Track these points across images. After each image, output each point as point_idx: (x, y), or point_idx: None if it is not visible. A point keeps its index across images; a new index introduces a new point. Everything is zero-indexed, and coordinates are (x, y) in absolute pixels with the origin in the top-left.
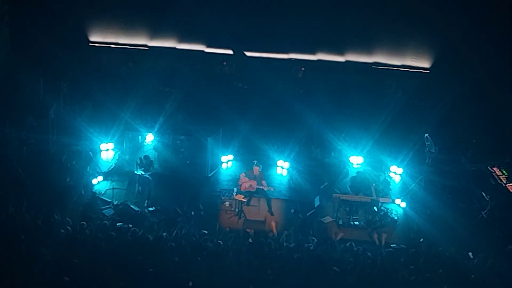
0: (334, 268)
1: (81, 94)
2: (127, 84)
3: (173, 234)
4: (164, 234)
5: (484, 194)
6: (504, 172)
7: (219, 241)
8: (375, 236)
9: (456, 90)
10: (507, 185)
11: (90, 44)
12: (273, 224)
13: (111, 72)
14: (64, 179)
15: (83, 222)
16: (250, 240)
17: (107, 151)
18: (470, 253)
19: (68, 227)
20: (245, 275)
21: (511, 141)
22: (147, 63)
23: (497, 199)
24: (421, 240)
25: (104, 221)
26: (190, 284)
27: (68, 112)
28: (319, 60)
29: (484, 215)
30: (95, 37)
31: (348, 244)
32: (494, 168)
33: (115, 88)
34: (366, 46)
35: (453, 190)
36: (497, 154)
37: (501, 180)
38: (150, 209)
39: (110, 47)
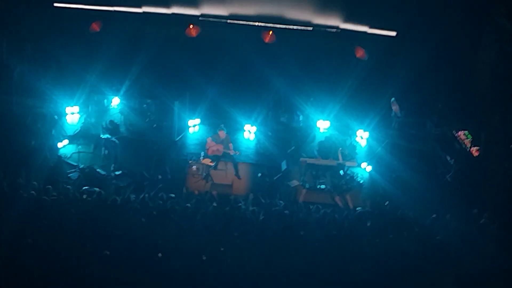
0: (300, 230)
1: (46, 56)
2: (92, 47)
3: (140, 197)
4: (132, 196)
5: (448, 158)
6: (469, 136)
7: (187, 204)
8: (339, 198)
9: (422, 55)
10: (471, 149)
11: (55, 5)
12: (241, 190)
13: (76, 34)
14: (28, 142)
15: (49, 186)
16: (214, 204)
17: (72, 114)
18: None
19: (33, 191)
20: (211, 238)
21: (476, 106)
22: (113, 26)
23: (461, 163)
24: (386, 203)
25: (70, 185)
26: (160, 255)
27: (33, 74)
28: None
29: (448, 179)
30: None
31: (314, 207)
32: (459, 133)
33: (81, 51)
34: (333, 9)
35: (418, 154)
36: (462, 119)
37: (465, 144)
38: (117, 172)
39: (75, 8)
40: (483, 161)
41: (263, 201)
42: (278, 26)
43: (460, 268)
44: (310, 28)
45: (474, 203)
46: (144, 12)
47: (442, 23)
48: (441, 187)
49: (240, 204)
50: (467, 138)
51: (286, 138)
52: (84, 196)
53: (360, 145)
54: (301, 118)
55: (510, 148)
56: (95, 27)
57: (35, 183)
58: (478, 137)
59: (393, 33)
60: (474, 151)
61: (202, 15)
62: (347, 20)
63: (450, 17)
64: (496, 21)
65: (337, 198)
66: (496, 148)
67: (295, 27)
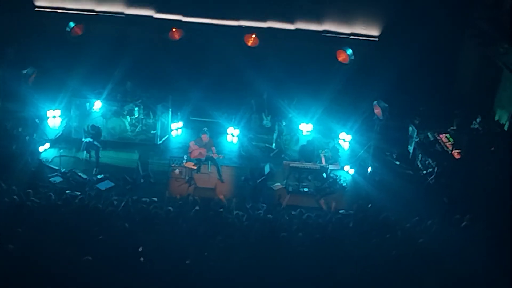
0: (283, 234)
1: (27, 59)
2: (74, 50)
3: (123, 202)
4: (114, 201)
5: (430, 161)
6: (450, 139)
7: (169, 208)
8: (322, 202)
9: (404, 58)
10: (453, 152)
11: (36, 8)
12: (224, 194)
13: (58, 37)
14: (9, 146)
15: (29, 190)
16: (196, 207)
17: (54, 118)
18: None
19: (14, 196)
20: (194, 242)
21: (458, 109)
22: (95, 29)
23: (443, 166)
24: (369, 206)
25: (52, 189)
26: (140, 249)
27: (14, 78)
28: (269, 28)
29: (430, 181)
30: (41, 1)
31: (297, 210)
32: (441, 135)
33: (62, 54)
34: (316, 13)
35: (401, 156)
36: (444, 122)
37: (447, 147)
38: (99, 176)
39: (57, 12)
40: (464, 164)
41: (247, 206)
42: (261, 26)
43: (443, 271)
44: (293, 28)
45: (456, 206)
46: (127, 15)
47: (423, 27)
48: (423, 190)
49: (222, 208)
50: (449, 141)
51: (270, 141)
52: (66, 201)
53: (343, 148)
54: (284, 123)
55: (491, 151)
56: (77, 30)
57: (14, 188)
58: (459, 140)
59: (376, 37)
60: (456, 154)
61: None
62: (330, 23)
63: (431, 21)
64: (477, 25)
65: (320, 201)
66: (477, 150)
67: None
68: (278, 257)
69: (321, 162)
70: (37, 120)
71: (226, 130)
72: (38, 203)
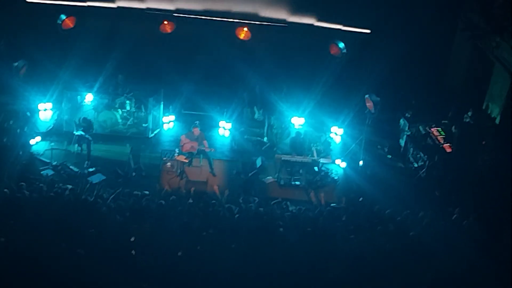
0: (275, 227)
1: (18, 52)
2: (66, 43)
3: (114, 194)
4: (105, 195)
5: (421, 154)
6: (442, 132)
7: (161, 201)
8: (314, 195)
9: (396, 52)
10: (444, 145)
11: (27, 0)
12: (216, 187)
13: (49, 30)
14: (0, 139)
15: (22, 183)
16: (190, 200)
17: (45, 111)
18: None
19: (5, 189)
20: (186, 236)
21: (449, 102)
22: (87, 22)
23: (434, 159)
24: (360, 199)
25: (43, 182)
26: (132, 239)
27: (5, 71)
28: (261, 21)
29: (422, 175)
30: None
31: (288, 203)
32: (432, 129)
33: (54, 47)
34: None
35: (392, 150)
36: (435, 115)
37: (438, 140)
38: (90, 169)
39: (48, 4)
40: (456, 158)
41: (240, 200)
42: (252, 22)
43: (435, 263)
44: (285, 25)
45: (447, 199)
46: (118, 7)
47: (416, 20)
48: (414, 183)
49: (214, 201)
50: (440, 135)
51: (261, 134)
52: (57, 194)
53: (334, 142)
54: (275, 115)
55: (482, 145)
56: (69, 23)
57: (6, 180)
58: (451, 134)
59: (368, 30)
60: (447, 147)
61: (176, 10)
62: (321, 16)
63: (424, 13)
64: (469, 18)
65: (312, 194)
66: (468, 144)
67: (270, 23)
68: (270, 250)
69: (312, 156)
70: (28, 113)
71: (218, 124)
72: (30, 195)
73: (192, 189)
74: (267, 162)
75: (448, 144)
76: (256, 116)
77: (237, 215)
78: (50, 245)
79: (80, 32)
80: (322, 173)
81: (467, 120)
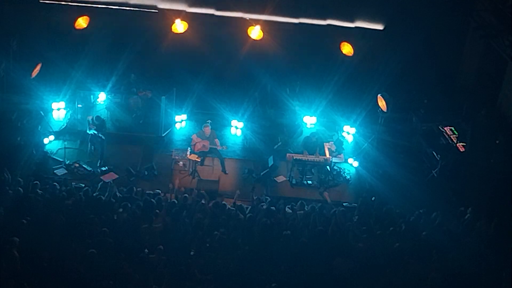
0: (287, 226)
1: (31, 52)
2: (79, 42)
3: (126, 193)
4: (118, 193)
5: (434, 153)
6: (455, 131)
7: (173, 200)
8: (326, 194)
9: (408, 50)
10: (457, 144)
11: (41, 0)
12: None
13: (62, 30)
14: (14, 138)
15: (36, 182)
16: (203, 201)
17: (58, 110)
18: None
19: (19, 188)
20: (198, 234)
21: (463, 101)
22: (100, 21)
23: (447, 158)
24: (373, 198)
25: (56, 181)
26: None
27: (18, 70)
28: (273, 20)
29: (434, 174)
30: None
31: (300, 202)
32: (445, 128)
33: (67, 46)
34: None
35: (405, 149)
36: (448, 114)
37: (451, 139)
38: (103, 168)
39: (61, 4)
40: (469, 157)
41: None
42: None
43: (446, 263)
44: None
45: (460, 199)
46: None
47: (428, 19)
48: (427, 183)
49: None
50: (453, 134)
51: (273, 133)
52: (70, 193)
53: (346, 141)
54: (287, 114)
55: (496, 144)
56: (82, 22)
57: (20, 179)
58: (464, 133)
59: (380, 28)
60: (460, 146)
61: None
62: (334, 15)
63: (436, 12)
64: (481, 16)
65: (325, 194)
66: (482, 143)
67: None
68: (281, 248)
69: (325, 155)
70: (41, 112)
71: (230, 123)
72: (43, 195)
73: (204, 188)
74: (279, 161)
75: (462, 143)
76: (268, 115)
77: (248, 214)
78: (62, 244)
79: (92, 31)
80: (334, 172)
81: (480, 118)
